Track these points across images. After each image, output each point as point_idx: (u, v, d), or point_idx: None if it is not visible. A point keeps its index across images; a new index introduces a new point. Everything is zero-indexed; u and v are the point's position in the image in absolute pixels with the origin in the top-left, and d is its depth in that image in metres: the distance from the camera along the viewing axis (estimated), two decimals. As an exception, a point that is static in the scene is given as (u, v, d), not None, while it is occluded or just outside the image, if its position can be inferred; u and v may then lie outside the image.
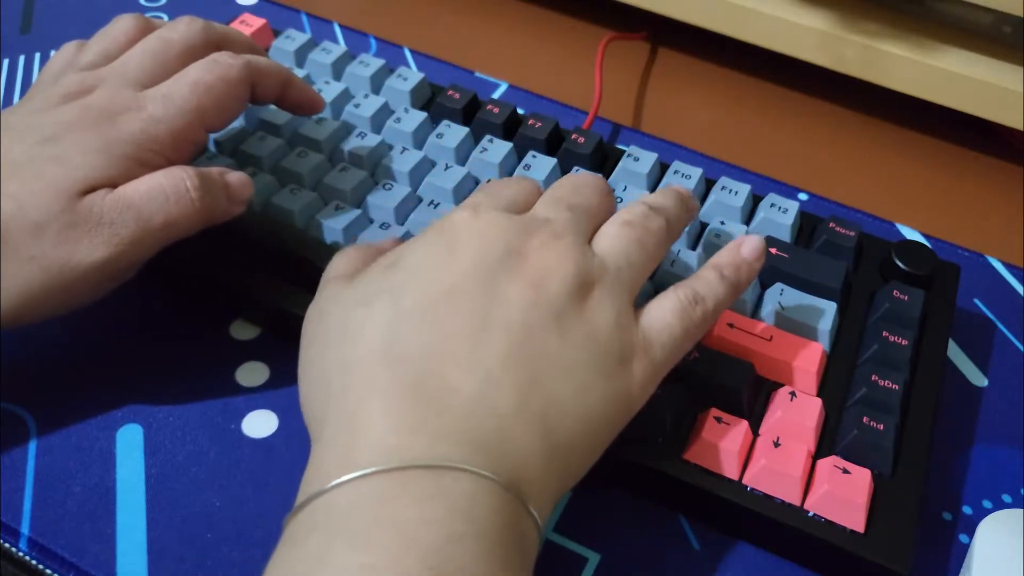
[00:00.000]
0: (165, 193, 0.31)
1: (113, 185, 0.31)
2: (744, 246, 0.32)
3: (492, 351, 0.26)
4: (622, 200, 0.38)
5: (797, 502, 0.31)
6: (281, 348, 0.37)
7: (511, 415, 0.26)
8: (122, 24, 0.36)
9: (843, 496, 0.30)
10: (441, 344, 0.26)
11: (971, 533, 0.33)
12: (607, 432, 0.28)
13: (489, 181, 0.33)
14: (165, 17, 0.53)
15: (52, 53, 0.50)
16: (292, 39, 0.46)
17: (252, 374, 0.36)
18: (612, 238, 0.30)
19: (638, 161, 0.40)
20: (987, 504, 0.34)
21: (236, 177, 0.34)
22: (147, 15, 0.37)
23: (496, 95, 0.49)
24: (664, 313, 0.29)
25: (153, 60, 0.34)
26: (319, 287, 0.31)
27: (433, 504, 0.23)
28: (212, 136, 0.40)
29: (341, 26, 0.53)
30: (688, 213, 0.33)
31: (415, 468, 0.24)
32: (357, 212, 0.38)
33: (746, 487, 0.31)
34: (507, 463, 0.25)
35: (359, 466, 0.24)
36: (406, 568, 0.22)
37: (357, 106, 0.43)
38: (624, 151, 0.41)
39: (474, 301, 0.27)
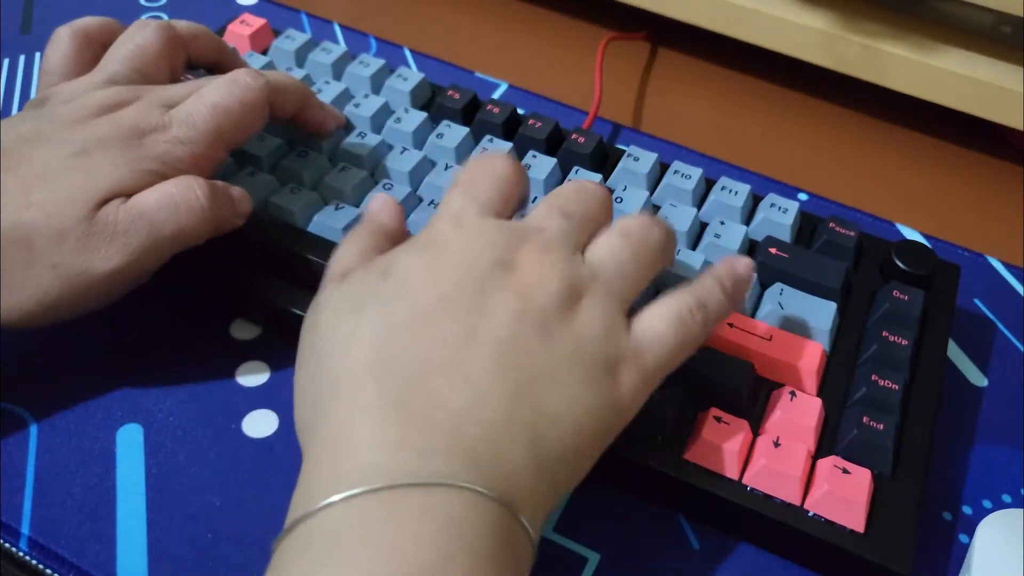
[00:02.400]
0: (176, 202, 0.32)
1: (128, 195, 0.32)
2: (740, 263, 0.32)
3: (479, 362, 0.26)
4: (622, 200, 0.38)
5: (797, 502, 0.31)
6: (281, 348, 0.37)
7: (500, 426, 0.25)
8: (147, 34, 0.36)
9: (843, 496, 0.30)
10: (428, 357, 0.26)
11: (971, 533, 0.33)
12: (598, 441, 0.27)
13: (464, 167, 0.32)
14: (164, 17, 0.52)
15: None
16: (292, 39, 0.46)
17: (252, 374, 0.36)
18: (607, 248, 0.30)
19: (638, 161, 0.40)
20: (987, 504, 0.34)
21: (238, 191, 0.35)
22: (146, 15, 0.37)
23: (496, 95, 0.49)
24: (658, 321, 0.29)
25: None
26: (321, 285, 0.31)
27: (423, 523, 0.23)
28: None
29: (341, 26, 0.53)
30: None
31: (403, 487, 0.23)
32: (357, 212, 0.38)
33: (746, 487, 0.31)
34: (498, 475, 0.24)
35: (347, 485, 0.24)
36: None
37: (357, 106, 0.43)
38: (624, 151, 0.41)
39: (461, 313, 0.27)
